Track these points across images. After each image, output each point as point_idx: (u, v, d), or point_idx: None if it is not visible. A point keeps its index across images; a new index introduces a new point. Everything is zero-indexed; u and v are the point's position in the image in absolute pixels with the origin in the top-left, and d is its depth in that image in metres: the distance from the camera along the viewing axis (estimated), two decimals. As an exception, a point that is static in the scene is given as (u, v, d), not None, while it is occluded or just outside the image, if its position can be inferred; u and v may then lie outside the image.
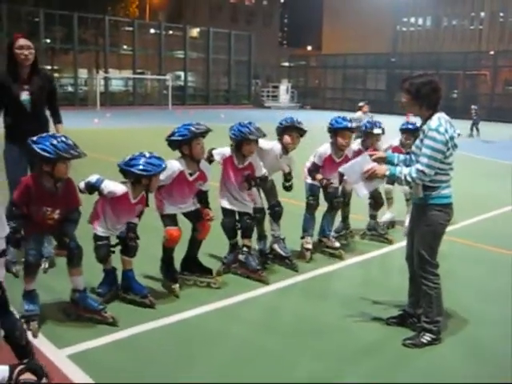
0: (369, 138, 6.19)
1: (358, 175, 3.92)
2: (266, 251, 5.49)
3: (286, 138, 5.29)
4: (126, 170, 4.15)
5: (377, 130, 6.16)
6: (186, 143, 4.51)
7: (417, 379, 3.46)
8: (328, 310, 4.47)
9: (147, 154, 4.17)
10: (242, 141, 4.85)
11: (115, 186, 4.20)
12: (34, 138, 3.75)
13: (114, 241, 4.37)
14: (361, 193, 4.03)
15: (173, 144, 4.58)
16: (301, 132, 5.32)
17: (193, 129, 4.48)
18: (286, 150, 5.34)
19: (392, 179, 3.95)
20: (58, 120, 5.31)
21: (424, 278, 3.88)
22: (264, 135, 4.97)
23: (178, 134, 4.52)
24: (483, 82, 39.27)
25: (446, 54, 45.22)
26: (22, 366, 2.22)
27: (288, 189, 5.42)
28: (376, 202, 6.52)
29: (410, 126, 6.67)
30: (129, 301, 4.35)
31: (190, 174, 4.60)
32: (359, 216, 6.74)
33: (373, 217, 6.60)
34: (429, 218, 3.80)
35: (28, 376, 2.19)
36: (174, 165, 4.53)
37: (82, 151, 3.80)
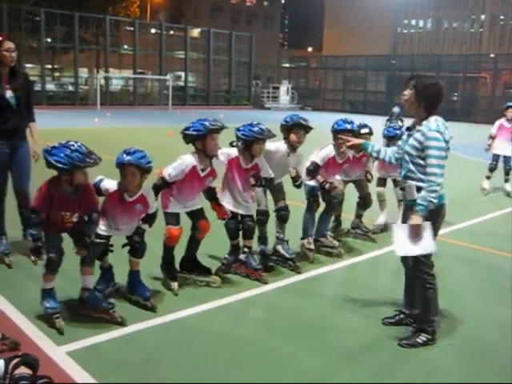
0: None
1: (408, 241, 3.74)
2: (268, 252, 5.48)
3: (293, 137, 5.27)
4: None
5: (363, 130, 6.15)
6: (200, 138, 4.52)
7: (414, 379, 3.48)
8: (326, 310, 4.49)
9: (130, 148, 4.13)
10: (253, 141, 4.87)
11: (110, 183, 4.22)
12: (49, 149, 3.71)
13: (121, 240, 4.35)
14: (408, 252, 3.81)
15: (187, 138, 4.60)
16: (307, 129, 5.32)
17: (208, 124, 4.50)
18: (292, 147, 5.33)
19: (427, 211, 3.69)
20: (31, 118, 5.43)
21: (419, 278, 3.90)
22: (274, 135, 4.98)
23: (192, 129, 4.54)
24: (483, 85, 39.32)
25: (446, 56, 45.34)
26: (16, 360, 2.22)
27: (298, 187, 5.45)
28: (365, 202, 6.54)
29: (390, 132, 6.73)
30: (133, 302, 4.35)
31: (202, 170, 4.61)
32: (349, 215, 6.76)
33: (358, 216, 6.62)
34: (428, 219, 3.78)
35: (23, 370, 2.20)
36: (188, 159, 4.55)
37: (97, 157, 3.78)
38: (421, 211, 3.67)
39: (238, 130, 4.96)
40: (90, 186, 4.02)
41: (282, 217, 5.43)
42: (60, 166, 3.66)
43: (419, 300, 3.94)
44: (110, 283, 4.48)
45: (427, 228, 3.71)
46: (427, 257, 3.86)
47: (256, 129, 4.86)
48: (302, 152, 5.50)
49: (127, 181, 4.13)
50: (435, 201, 3.67)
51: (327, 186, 5.55)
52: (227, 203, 5.04)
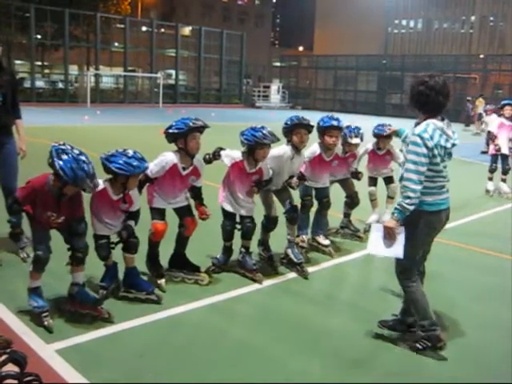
0: (347, 145, 6.12)
1: (382, 242, 3.69)
2: (270, 255, 5.45)
3: (295, 138, 5.21)
4: (105, 165, 4.05)
5: (355, 140, 6.04)
6: (181, 137, 4.52)
7: (409, 379, 3.48)
8: (316, 309, 4.50)
9: (130, 153, 4.06)
10: (256, 145, 4.80)
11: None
12: (59, 150, 3.67)
13: (113, 238, 4.35)
14: (378, 252, 3.76)
15: (169, 137, 4.60)
16: (309, 128, 5.24)
17: (190, 123, 4.50)
18: (296, 149, 5.26)
19: (404, 216, 3.58)
20: (17, 115, 5.39)
21: (404, 285, 3.80)
22: (278, 139, 4.85)
23: (174, 127, 4.55)
24: (473, 86, 39.53)
25: (436, 56, 45.52)
26: (3, 357, 2.18)
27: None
28: (352, 200, 6.52)
29: (380, 130, 6.65)
30: (132, 298, 4.33)
31: (184, 168, 4.60)
32: (336, 213, 6.77)
33: (346, 215, 6.62)
34: (409, 224, 3.64)
35: (10, 367, 2.16)
36: (168, 157, 4.55)
37: (96, 182, 3.84)
38: (396, 215, 3.57)
39: (241, 134, 4.89)
40: (81, 195, 3.95)
41: (292, 217, 5.30)
42: (61, 174, 3.60)
43: (411, 305, 3.84)
44: (114, 280, 4.47)
45: (401, 233, 3.63)
46: (411, 265, 3.75)
47: (259, 133, 4.77)
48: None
49: (130, 186, 4.13)
50: (410, 207, 3.51)
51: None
52: (227, 204, 5.02)
